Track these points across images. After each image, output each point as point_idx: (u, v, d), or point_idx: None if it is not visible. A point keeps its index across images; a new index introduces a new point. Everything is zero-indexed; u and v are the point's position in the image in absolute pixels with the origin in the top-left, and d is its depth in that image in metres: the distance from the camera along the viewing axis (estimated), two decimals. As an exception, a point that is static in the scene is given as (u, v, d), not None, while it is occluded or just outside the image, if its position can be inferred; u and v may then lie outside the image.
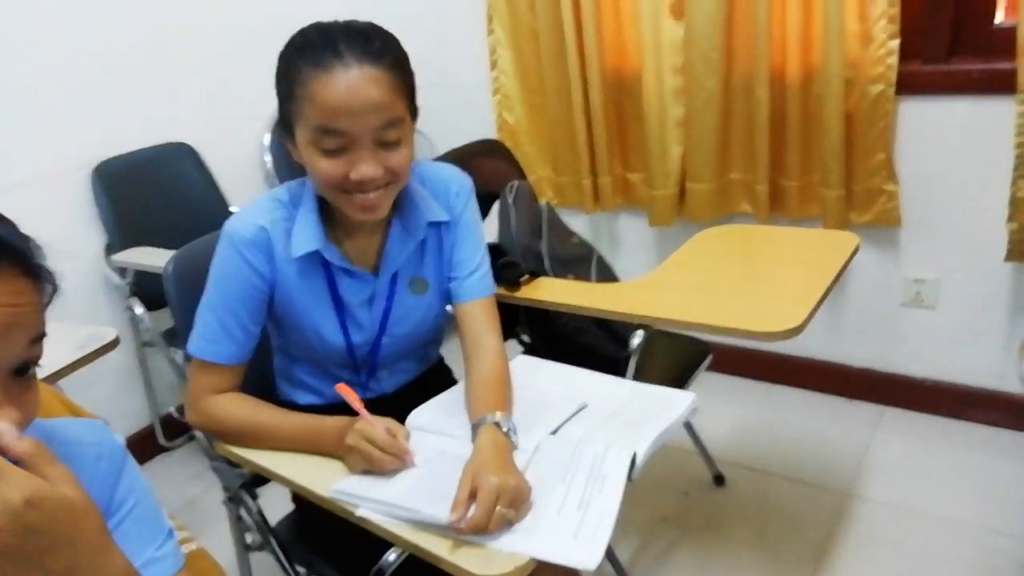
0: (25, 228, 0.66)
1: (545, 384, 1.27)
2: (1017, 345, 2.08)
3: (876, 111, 2.01)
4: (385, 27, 1.13)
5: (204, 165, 2.43)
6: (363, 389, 1.34)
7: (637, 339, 1.49)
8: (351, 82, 1.04)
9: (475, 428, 1.10)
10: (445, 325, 1.41)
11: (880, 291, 2.25)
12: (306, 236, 1.18)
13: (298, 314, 1.23)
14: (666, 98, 2.27)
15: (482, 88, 2.65)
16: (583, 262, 1.81)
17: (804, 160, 2.16)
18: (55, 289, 0.67)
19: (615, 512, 0.95)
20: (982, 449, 2.12)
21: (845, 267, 1.54)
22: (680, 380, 1.72)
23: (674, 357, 1.79)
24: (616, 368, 1.48)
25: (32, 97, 2.10)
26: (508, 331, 1.75)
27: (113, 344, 1.47)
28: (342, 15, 1.14)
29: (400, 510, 0.99)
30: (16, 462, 0.55)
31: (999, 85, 1.88)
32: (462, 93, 2.70)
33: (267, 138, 2.66)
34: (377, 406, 1.14)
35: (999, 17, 1.96)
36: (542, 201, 1.86)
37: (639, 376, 1.49)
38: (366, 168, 1.09)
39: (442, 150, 1.89)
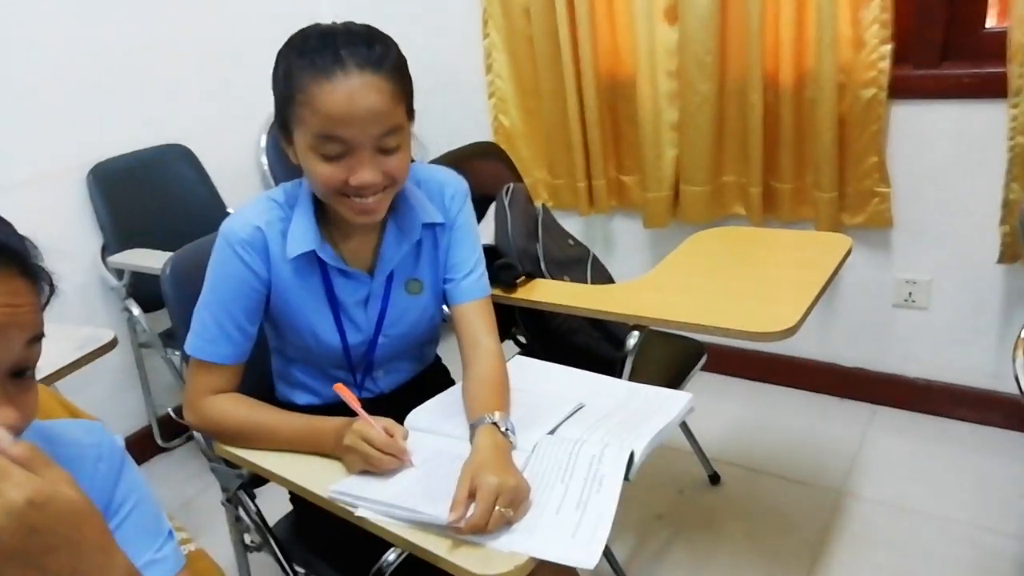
0: (21, 229, 0.67)
1: (542, 384, 1.28)
2: (1012, 344, 2.10)
3: (868, 115, 2.03)
4: (374, 27, 1.14)
5: (200, 166, 2.43)
6: (359, 389, 1.34)
7: (633, 339, 1.50)
8: (353, 90, 1.05)
9: (473, 428, 1.10)
10: (442, 325, 1.42)
11: (872, 292, 2.27)
12: (302, 236, 1.19)
13: (294, 314, 1.24)
14: (660, 102, 2.28)
15: (478, 92, 2.66)
16: (578, 264, 1.82)
17: (797, 163, 2.17)
18: (53, 290, 0.68)
19: (613, 511, 0.96)
20: (974, 448, 2.14)
21: (838, 268, 1.56)
22: (675, 380, 1.74)
23: (669, 357, 1.81)
24: (611, 368, 1.49)
25: (28, 98, 2.10)
26: (504, 332, 1.76)
27: (111, 345, 1.48)
28: (338, 18, 1.15)
29: (399, 510, 0.99)
30: None
31: (990, 89, 1.90)
32: (458, 97, 2.71)
33: (263, 139, 2.66)
34: (374, 406, 1.14)
35: (990, 22, 1.98)
36: (537, 203, 1.87)
37: (634, 376, 1.50)
38: (366, 174, 1.10)
39: (438, 153, 1.90)
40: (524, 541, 0.94)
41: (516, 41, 2.50)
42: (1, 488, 0.52)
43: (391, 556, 1.10)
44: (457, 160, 1.83)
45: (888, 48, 1.97)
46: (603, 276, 1.86)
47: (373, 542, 1.04)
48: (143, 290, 2.18)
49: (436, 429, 1.18)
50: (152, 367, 2.41)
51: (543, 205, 1.86)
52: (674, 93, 2.27)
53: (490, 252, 1.58)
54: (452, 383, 1.42)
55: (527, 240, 1.72)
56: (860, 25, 1.98)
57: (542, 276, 1.69)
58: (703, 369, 1.85)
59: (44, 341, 0.66)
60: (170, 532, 0.82)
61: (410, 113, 1.15)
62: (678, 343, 1.86)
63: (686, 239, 1.79)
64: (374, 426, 1.08)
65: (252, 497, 1.37)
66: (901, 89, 2.02)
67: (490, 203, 1.80)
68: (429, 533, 0.97)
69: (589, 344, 1.69)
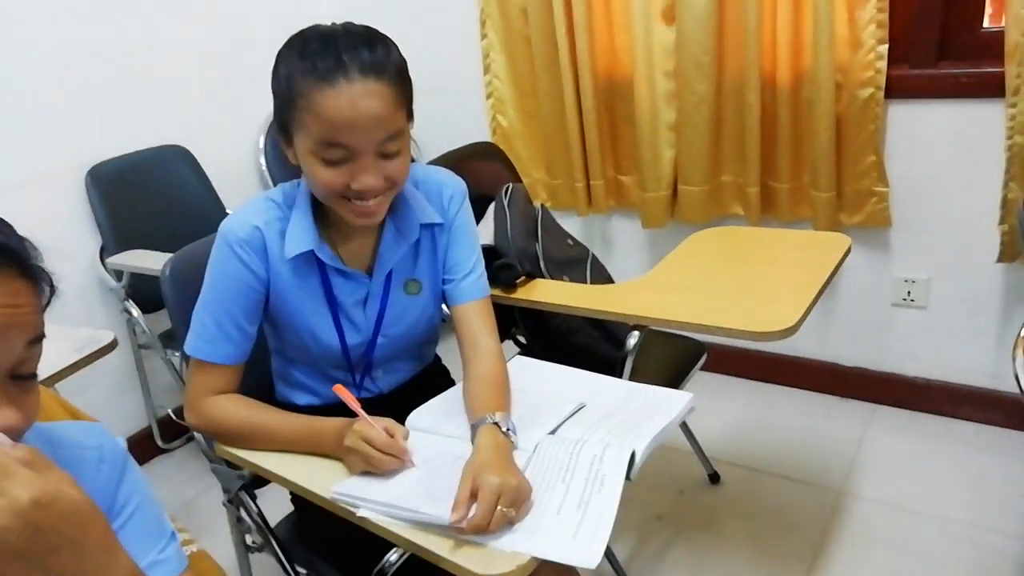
0: (20, 230, 0.67)
1: (543, 384, 1.28)
2: (1011, 343, 2.10)
3: (865, 115, 2.03)
4: (373, 28, 1.14)
5: (199, 167, 2.43)
6: (359, 389, 1.34)
7: (633, 339, 1.50)
8: (355, 97, 1.05)
9: (475, 428, 1.11)
10: (441, 325, 1.42)
11: (871, 291, 2.27)
12: (300, 237, 1.19)
13: (293, 314, 1.24)
14: (658, 102, 2.29)
15: (476, 92, 2.66)
16: (578, 264, 1.82)
17: (795, 163, 2.18)
18: (53, 290, 0.68)
19: (614, 511, 0.96)
20: (974, 447, 2.15)
21: (838, 268, 1.56)
22: (675, 380, 1.74)
23: (669, 357, 1.81)
24: (611, 368, 1.50)
25: (26, 99, 2.10)
26: (504, 332, 1.76)
27: (111, 347, 1.47)
28: (336, 19, 1.15)
29: (401, 511, 0.99)
30: None
31: (987, 89, 1.91)
32: (456, 97, 2.71)
33: (262, 140, 2.66)
34: (373, 406, 1.14)
35: (986, 22, 1.99)
36: (536, 203, 1.87)
37: (635, 376, 1.50)
38: (368, 179, 1.10)
39: (436, 153, 1.90)
40: (526, 541, 0.94)
41: (514, 42, 2.51)
42: (6, 488, 0.52)
43: (393, 556, 1.10)
44: (456, 160, 1.83)
45: (885, 48, 1.97)
46: (602, 276, 1.86)
47: (374, 543, 1.04)
48: (142, 291, 2.18)
49: (437, 429, 1.18)
50: (152, 368, 2.41)
51: (542, 205, 1.86)
52: (671, 93, 2.27)
53: (489, 252, 1.59)
54: (452, 383, 1.42)
55: (526, 240, 1.72)
56: (857, 25, 1.98)
57: (542, 276, 1.69)
58: (703, 369, 1.85)
59: (44, 342, 0.66)
60: (173, 533, 0.82)
61: (410, 116, 1.15)
62: (678, 343, 1.86)
63: (685, 239, 1.79)
64: (375, 427, 1.08)
65: (253, 498, 1.37)
66: (898, 89, 2.03)
67: (489, 203, 1.80)
68: (431, 533, 0.97)
69: (589, 344, 1.69)
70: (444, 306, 1.37)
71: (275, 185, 1.34)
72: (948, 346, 2.22)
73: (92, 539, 0.57)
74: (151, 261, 1.99)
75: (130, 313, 2.21)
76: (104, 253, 2.23)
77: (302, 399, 1.36)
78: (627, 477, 1.02)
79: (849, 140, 2.08)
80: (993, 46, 1.88)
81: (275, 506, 1.40)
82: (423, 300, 1.32)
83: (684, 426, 2.00)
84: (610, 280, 1.87)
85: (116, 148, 2.28)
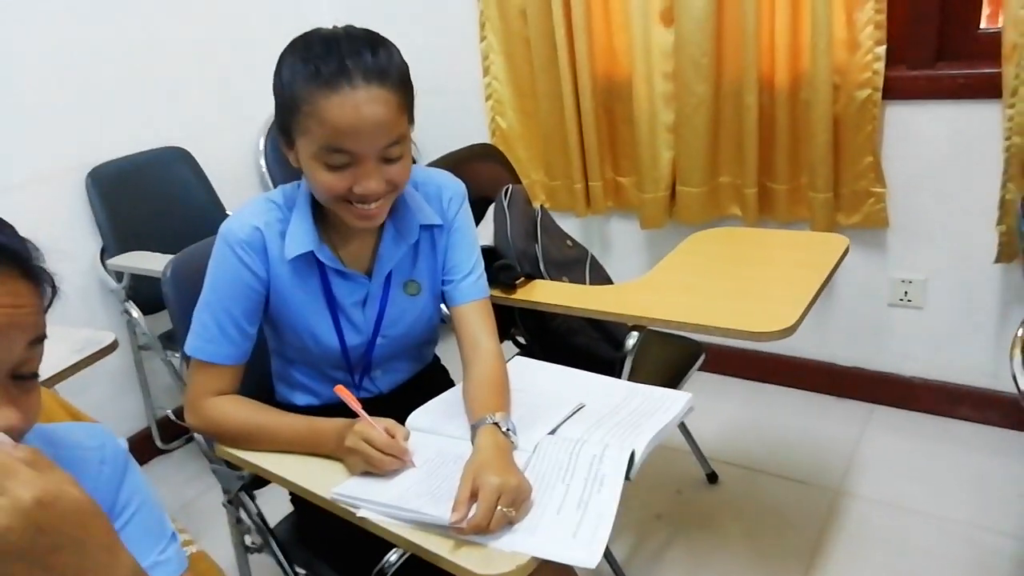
0: (20, 231, 0.67)
1: (542, 385, 1.29)
2: (1008, 343, 2.11)
3: (863, 116, 2.04)
4: (375, 32, 1.14)
5: (199, 169, 2.43)
6: (358, 389, 1.35)
7: (632, 340, 1.51)
8: (359, 104, 1.05)
9: (475, 428, 1.11)
10: (440, 326, 1.43)
11: (868, 291, 2.28)
12: (300, 238, 1.19)
13: (293, 315, 1.25)
14: (656, 103, 2.29)
15: (475, 94, 2.67)
16: (577, 264, 1.83)
17: (792, 164, 2.18)
18: (55, 291, 0.68)
19: (614, 511, 0.97)
20: (971, 446, 2.15)
21: (836, 268, 1.57)
22: (674, 380, 1.75)
23: (667, 357, 1.81)
24: (610, 369, 1.50)
25: (27, 100, 2.10)
26: (504, 333, 1.76)
27: (111, 348, 1.48)
28: (336, 21, 1.15)
29: (401, 511, 1.00)
30: None
31: (984, 90, 1.92)
32: (455, 99, 2.71)
33: (262, 142, 2.67)
34: (373, 406, 1.15)
35: (983, 23, 2.00)
36: (536, 204, 1.87)
37: (633, 376, 1.51)
38: (370, 184, 1.11)
39: (436, 155, 1.91)
40: (526, 541, 0.95)
41: (513, 43, 2.51)
42: (8, 487, 0.52)
43: (393, 557, 1.10)
44: (456, 162, 1.84)
45: (882, 49, 1.98)
46: (601, 277, 1.86)
47: (374, 543, 1.05)
48: (142, 292, 2.18)
49: (437, 430, 1.19)
50: (151, 369, 2.41)
51: (541, 206, 1.87)
52: (670, 95, 2.28)
53: (489, 253, 1.59)
54: (451, 383, 1.43)
55: (526, 241, 1.73)
56: (855, 27, 1.99)
57: (541, 277, 1.70)
58: (701, 369, 1.86)
59: (44, 343, 0.66)
60: (173, 534, 0.82)
61: (411, 120, 1.16)
62: (676, 343, 1.87)
63: (684, 240, 1.80)
64: (375, 427, 1.08)
65: (252, 499, 1.37)
66: (896, 90, 2.03)
67: (489, 205, 1.80)
68: (431, 533, 0.97)
69: (588, 345, 1.70)
70: (443, 307, 1.38)
71: (275, 186, 1.34)
72: (945, 346, 2.22)
73: (94, 538, 0.57)
74: (152, 262, 1.99)
75: (130, 314, 2.21)
76: (104, 254, 2.23)
77: (302, 400, 1.36)
78: (627, 477, 1.03)
79: (847, 141, 2.08)
80: (990, 47, 1.89)
81: (274, 507, 1.40)
82: (422, 301, 1.33)
83: (682, 426, 2.01)
84: (609, 281, 1.88)
85: (116, 149, 2.28)
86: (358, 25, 1.14)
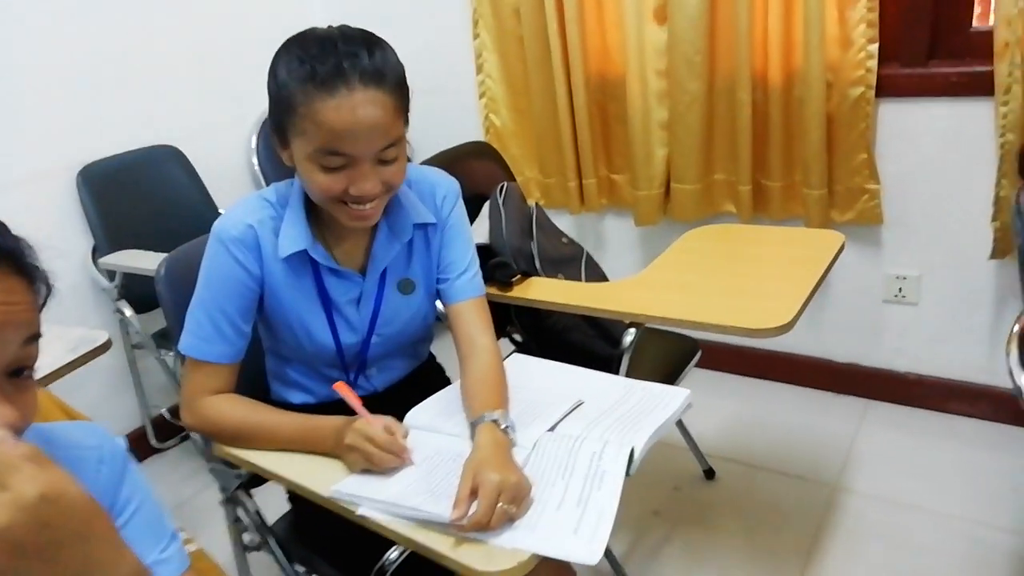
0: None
1: (540, 382, 1.29)
2: (1002, 338, 2.12)
3: (856, 113, 2.05)
4: (370, 32, 1.13)
5: (191, 167, 2.42)
6: (353, 387, 1.34)
7: (630, 337, 1.51)
8: (356, 107, 1.05)
9: (473, 426, 1.11)
10: (436, 323, 1.42)
11: (863, 288, 2.29)
12: (293, 236, 1.19)
13: (287, 313, 1.24)
14: (650, 101, 2.29)
15: (469, 92, 2.66)
16: (572, 262, 1.83)
17: (786, 161, 2.19)
18: (49, 289, 0.67)
19: (615, 508, 0.97)
20: (966, 441, 2.16)
21: (832, 265, 1.57)
22: (670, 377, 1.75)
23: (663, 354, 1.82)
24: (607, 366, 1.50)
25: (17, 99, 2.09)
26: (500, 330, 1.76)
27: (105, 347, 1.47)
28: (330, 19, 1.14)
29: (402, 509, 0.99)
30: None
31: (977, 87, 1.92)
32: (449, 97, 2.71)
33: (254, 140, 2.65)
34: (368, 404, 1.14)
35: (975, 21, 2.01)
36: (530, 202, 1.87)
37: (630, 374, 1.51)
38: (366, 185, 1.11)
39: (430, 153, 1.90)
40: (526, 538, 0.94)
41: (506, 41, 2.51)
42: (11, 483, 0.52)
43: (393, 554, 1.10)
44: (450, 160, 1.84)
45: (875, 47, 1.99)
46: (597, 274, 1.87)
47: (373, 540, 1.04)
48: (135, 291, 2.17)
49: (436, 427, 1.19)
50: (145, 368, 2.40)
51: (536, 204, 1.87)
52: (663, 92, 2.28)
53: (485, 251, 1.59)
54: (447, 381, 1.43)
55: (521, 239, 1.73)
56: (847, 24, 2.00)
57: (537, 274, 1.70)
58: (696, 366, 1.86)
59: (40, 342, 0.66)
60: (174, 533, 0.82)
61: (407, 121, 1.15)
62: (672, 340, 1.87)
63: (679, 237, 1.80)
64: (375, 424, 1.08)
65: (250, 497, 1.37)
66: (889, 88, 2.04)
67: (483, 202, 1.80)
68: (431, 531, 0.97)
69: (584, 342, 1.70)
70: (439, 305, 1.38)
71: (267, 185, 1.34)
72: (940, 342, 2.23)
73: (98, 534, 0.57)
74: (144, 261, 1.98)
75: (123, 313, 2.20)
76: (96, 253, 2.22)
77: (297, 398, 1.36)
78: (626, 473, 1.03)
79: (840, 138, 2.09)
80: (982, 45, 1.90)
81: (272, 505, 1.40)
82: (417, 299, 1.33)
83: (679, 423, 2.01)
84: (604, 278, 1.88)
85: (107, 148, 2.27)
86: (351, 24, 1.13)
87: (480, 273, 1.37)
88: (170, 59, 2.42)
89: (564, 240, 1.87)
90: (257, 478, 1.32)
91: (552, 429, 1.14)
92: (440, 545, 0.95)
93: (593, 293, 1.61)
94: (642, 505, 2.04)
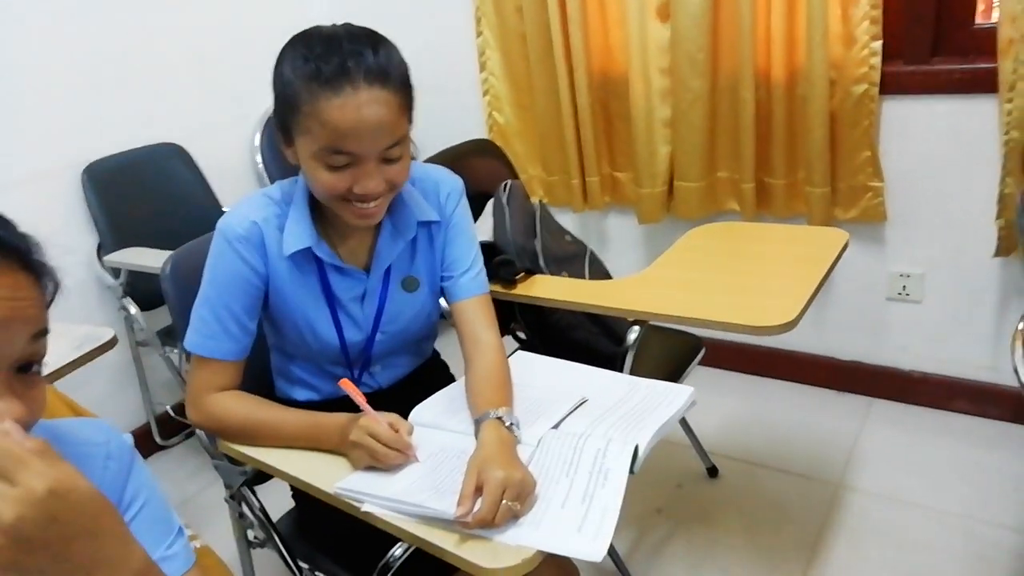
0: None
1: (544, 379, 1.29)
2: (1007, 336, 2.12)
3: (860, 111, 2.04)
4: (374, 30, 1.14)
5: (195, 165, 2.43)
6: (357, 385, 1.34)
7: (634, 334, 1.51)
8: (361, 106, 1.05)
9: (478, 423, 1.11)
10: (440, 320, 1.43)
11: (866, 285, 2.29)
12: (298, 234, 1.19)
13: (291, 310, 1.24)
14: (653, 99, 2.29)
15: (472, 89, 2.66)
16: (576, 260, 1.83)
17: (789, 159, 2.19)
18: (57, 286, 0.67)
19: (619, 505, 0.97)
20: (970, 440, 2.16)
21: (836, 262, 1.57)
22: (673, 375, 1.75)
23: (667, 352, 1.82)
24: (610, 363, 1.49)
25: (21, 97, 2.09)
26: (503, 328, 1.76)
27: (111, 344, 1.47)
28: (333, 17, 1.15)
29: (406, 506, 0.99)
30: None
31: (980, 84, 1.92)
32: (452, 95, 2.71)
33: (258, 138, 2.66)
34: (373, 401, 1.14)
35: (978, 18, 2.00)
36: (534, 200, 1.88)
37: (633, 371, 1.51)
38: (370, 184, 1.11)
39: (433, 151, 1.90)
40: (531, 535, 0.95)
41: (509, 39, 2.51)
42: (22, 478, 0.52)
43: (398, 551, 1.10)
44: (454, 158, 1.84)
45: (878, 44, 1.98)
46: (600, 272, 1.87)
47: (377, 537, 1.04)
48: (139, 289, 2.17)
49: (440, 425, 1.19)
50: (149, 365, 2.40)
51: (540, 201, 1.87)
52: (666, 90, 2.28)
53: (489, 249, 1.59)
54: (451, 378, 1.43)
55: (525, 237, 1.73)
56: (850, 22, 1.99)
57: (541, 272, 1.70)
58: (699, 363, 1.86)
59: (47, 338, 0.66)
60: (180, 529, 0.82)
61: (411, 120, 1.15)
62: (675, 338, 1.87)
63: (683, 235, 1.80)
64: (380, 421, 1.08)
65: (254, 494, 1.37)
66: (892, 85, 2.04)
67: (487, 200, 1.80)
68: (436, 528, 0.97)
69: (588, 340, 1.70)
70: (443, 302, 1.38)
71: (271, 183, 1.34)
72: (944, 340, 2.23)
73: (106, 529, 0.57)
74: (149, 258, 1.99)
75: (127, 310, 2.20)
76: (101, 251, 2.22)
77: (302, 395, 1.36)
78: (630, 471, 1.03)
79: (844, 136, 2.09)
80: (986, 42, 1.89)
81: (275, 502, 1.40)
82: (421, 297, 1.33)
83: (683, 420, 2.01)
84: (608, 276, 1.88)
85: (112, 146, 2.27)
86: (354, 22, 1.13)
87: (484, 271, 1.37)
88: (171, 58, 2.42)
89: (568, 238, 1.87)
90: (261, 475, 1.33)
91: (556, 426, 1.15)
92: (444, 542, 0.95)
93: (597, 291, 1.61)
94: (645, 503, 2.04)
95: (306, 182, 1.18)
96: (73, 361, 1.41)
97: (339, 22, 1.13)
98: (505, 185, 1.79)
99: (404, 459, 1.08)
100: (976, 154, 2.00)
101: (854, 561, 1.80)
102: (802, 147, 2.14)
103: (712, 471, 2.12)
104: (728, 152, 2.28)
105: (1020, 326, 1.48)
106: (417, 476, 1.06)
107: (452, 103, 2.71)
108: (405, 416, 1.18)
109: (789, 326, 1.33)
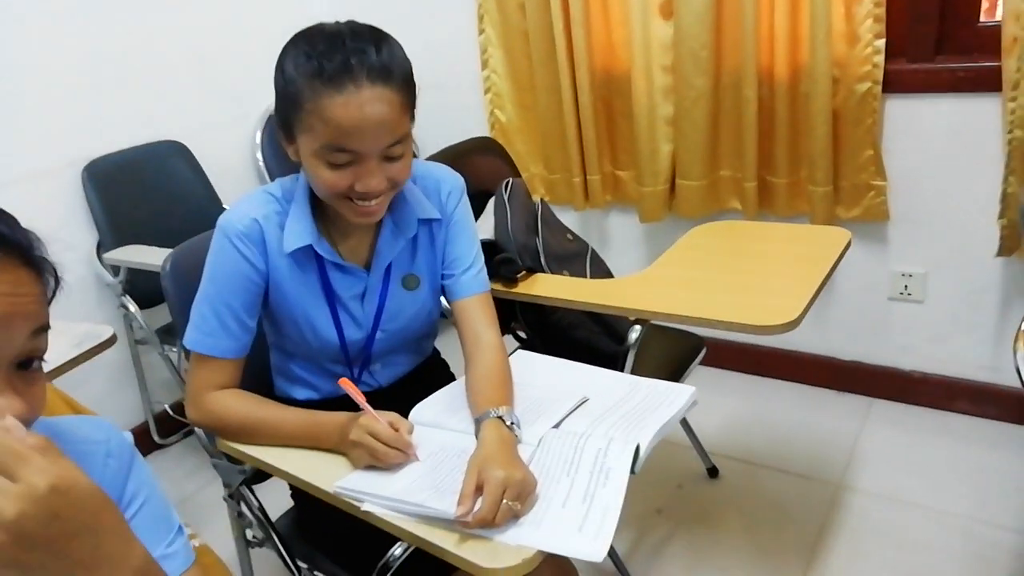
0: (17, 224, 0.66)
1: (545, 378, 1.28)
2: (1008, 337, 2.11)
3: (863, 109, 2.04)
4: (377, 27, 1.13)
5: (196, 163, 2.42)
6: (357, 383, 1.34)
7: (635, 333, 1.50)
8: (364, 104, 1.05)
9: (478, 422, 1.11)
10: (440, 319, 1.42)
11: (868, 285, 2.28)
12: (299, 231, 1.19)
13: (291, 308, 1.24)
14: (655, 97, 2.29)
15: (474, 87, 2.66)
16: (578, 258, 1.82)
17: (792, 157, 2.18)
18: (57, 282, 0.67)
19: (620, 504, 0.96)
20: (970, 440, 2.16)
21: (838, 262, 1.57)
22: (674, 375, 1.74)
23: (668, 352, 1.81)
24: (612, 362, 1.49)
25: (22, 95, 2.09)
26: (504, 327, 1.76)
27: (110, 342, 1.47)
28: (334, 14, 1.14)
29: (406, 505, 0.99)
30: None
31: (984, 83, 1.92)
32: (454, 93, 2.70)
33: (259, 136, 2.65)
34: (372, 399, 1.14)
35: (982, 16, 2.00)
36: (535, 198, 1.87)
37: (635, 371, 1.51)
38: (372, 182, 1.10)
39: (435, 149, 1.90)
40: (531, 534, 0.94)
41: (511, 37, 2.50)
42: (23, 474, 0.52)
43: (397, 550, 1.10)
44: (456, 156, 1.83)
45: (882, 42, 1.98)
46: (602, 270, 1.86)
47: (377, 537, 1.04)
48: (139, 286, 2.17)
49: (440, 424, 1.18)
50: (148, 364, 2.40)
51: (542, 200, 1.86)
52: (669, 88, 2.28)
53: (490, 247, 1.59)
54: (451, 377, 1.42)
55: (527, 235, 1.72)
56: (854, 20, 1.99)
57: (542, 271, 1.69)
58: (700, 363, 1.85)
59: (48, 335, 0.66)
60: (180, 528, 0.82)
61: (413, 118, 1.15)
62: (676, 337, 1.87)
63: (684, 233, 1.80)
64: (380, 420, 1.08)
65: (253, 493, 1.37)
66: (896, 83, 2.03)
67: (488, 198, 1.80)
68: (436, 527, 0.97)
69: (589, 338, 1.69)
70: (443, 300, 1.37)
71: (272, 180, 1.34)
72: (945, 340, 2.22)
73: (107, 526, 0.57)
74: (149, 256, 1.98)
75: (127, 308, 2.20)
76: (101, 248, 2.22)
77: (301, 394, 1.36)
78: (631, 471, 1.02)
79: (847, 134, 2.08)
80: (990, 40, 1.89)
81: (274, 501, 1.40)
82: (422, 295, 1.32)
83: (683, 420, 2.00)
84: (609, 274, 1.87)
85: (112, 144, 2.27)
86: (356, 19, 1.13)
87: (485, 269, 1.36)
88: (172, 57, 2.41)
89: (569, 236, 1.86)
90: (260, 474, 1.32)
91: (557, 426, 1.14)
92: (445, 541, 0.95)
93: (598, 289, 1.61)
94: (645, 503, 2.03)
95: (307, 179, 1.18)
96: (72, 359, 1.40)
97: (341, 20, 1.13)
98: (506, 183, 1.79)
99: (404, 458, 1.07)
100: (979, 153, 1.99)
101: (854, 561, 1.79)
102: (805, 146, 2.13)
103: (712, 471, 2.11)
104: (730, 150, 2.27)
105: (1022, 326, 1.47)
106: (417, 475, 1.06)
107: (454, 101, 2.70)
108: (405, 415, 1.17)
109: (791, 325, 1.33)
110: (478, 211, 1.70)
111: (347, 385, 1.14)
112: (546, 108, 2.47)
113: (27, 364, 0.64)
